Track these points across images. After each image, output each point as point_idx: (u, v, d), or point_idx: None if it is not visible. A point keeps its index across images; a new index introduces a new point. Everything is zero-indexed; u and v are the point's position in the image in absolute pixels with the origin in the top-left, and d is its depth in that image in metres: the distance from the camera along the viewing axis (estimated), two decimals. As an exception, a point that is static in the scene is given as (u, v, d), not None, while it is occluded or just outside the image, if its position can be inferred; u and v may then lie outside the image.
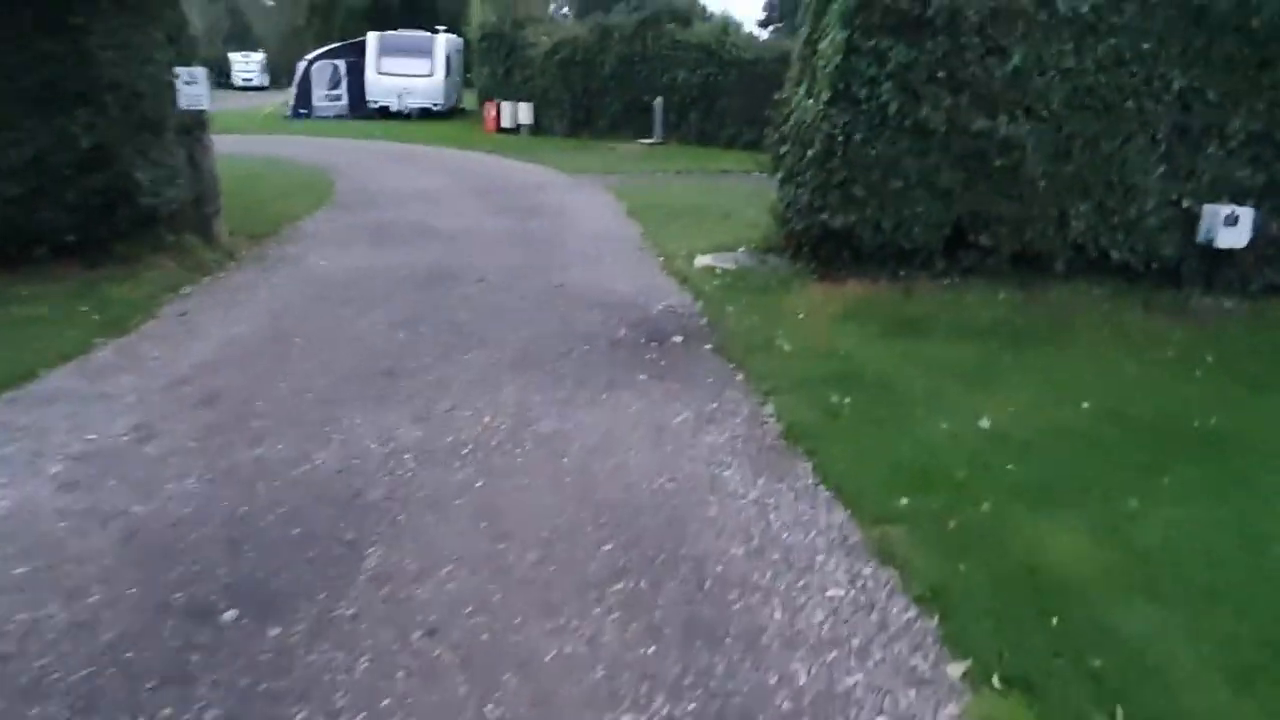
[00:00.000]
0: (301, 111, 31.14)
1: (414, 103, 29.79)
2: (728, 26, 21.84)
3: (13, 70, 6.89)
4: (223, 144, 21.93)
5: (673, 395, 5.37)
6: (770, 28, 51.70)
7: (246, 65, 64.16)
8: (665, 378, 5.67)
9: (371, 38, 30.56)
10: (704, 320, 7.00)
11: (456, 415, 4.96)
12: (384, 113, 29.72)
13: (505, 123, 25.07)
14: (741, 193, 14.00)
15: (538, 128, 24.47)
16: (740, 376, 5.75)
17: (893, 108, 7.33)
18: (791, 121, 8.26)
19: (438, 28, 31.66)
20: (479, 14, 27.21)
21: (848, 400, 5.25)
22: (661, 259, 9.08)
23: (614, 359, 6.02)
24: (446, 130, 25.58)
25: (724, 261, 8.66)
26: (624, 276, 8.30)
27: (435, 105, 30.20)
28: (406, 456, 4.44)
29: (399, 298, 7.40)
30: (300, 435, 4.66)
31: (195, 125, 8.51)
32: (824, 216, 7.67)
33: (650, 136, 22.24)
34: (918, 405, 5.22)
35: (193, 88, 8.39)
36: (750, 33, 21.96)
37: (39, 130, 6.99)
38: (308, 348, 6.11)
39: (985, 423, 4.97)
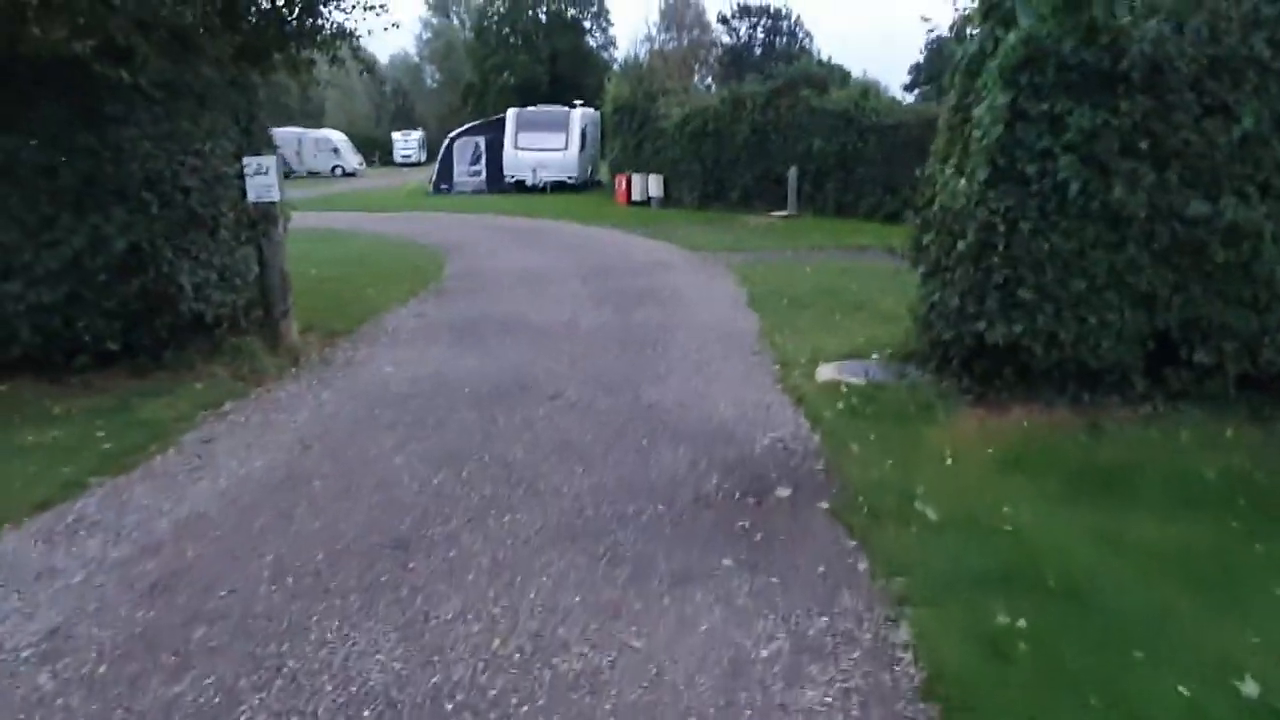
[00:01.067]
0: (443, 187, 31.57)
1: (548, 177, 29.57)
2: (867, 91, 20.26)
3: (50, 168, 6.20)
4: (354, 222, 22.06)
5: (765, 600, 3.80)
6: (916, 90, 49.43)
7: (406, 143, 67.38)
8: (758, 565, 4.11)
9: (510, 114, 30.72)
10: (821, 463, 5.39)
11: (457, 631, 3.57)
12: (520, 187, 29.65)
13: (636, 195, 24.27)
14: (879, 275, 12.24)
15: (668, 200, 23.51)
16: (863, 565, 4.11)
17: (1073, 188, 5.59)
18: (937, 205, 6.62)
19: (575, 102, 31.57)
20: (615, 87, 26.77)
21: (1022, 624, 3.53)
22: (778, 366, 7.53)
23: (694, 529, 4.50)
24: (577, 204, 24.99)
25: (853, 373, 7.03)
26: (729, 392, 6.80)
27: (569, 178, 29.90)
28: (365, 715, 3.07)
29: (454, 421, 6.17)
30: (241, 660, 3.38)
31: (264, 219, 7.70)
32: (980, 326, 5.96)
33: (784, 209, 20.78)
34: (1133, 642, 3.43)
35: (261, 178, 7.60)
36: (892, 96, 20.27)
37: (75, 231, 6.25)
38: (321, 498, 4.91)
39: (1250, 688, 3.14)
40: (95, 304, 6.44)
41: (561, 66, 58.37)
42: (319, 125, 65.65)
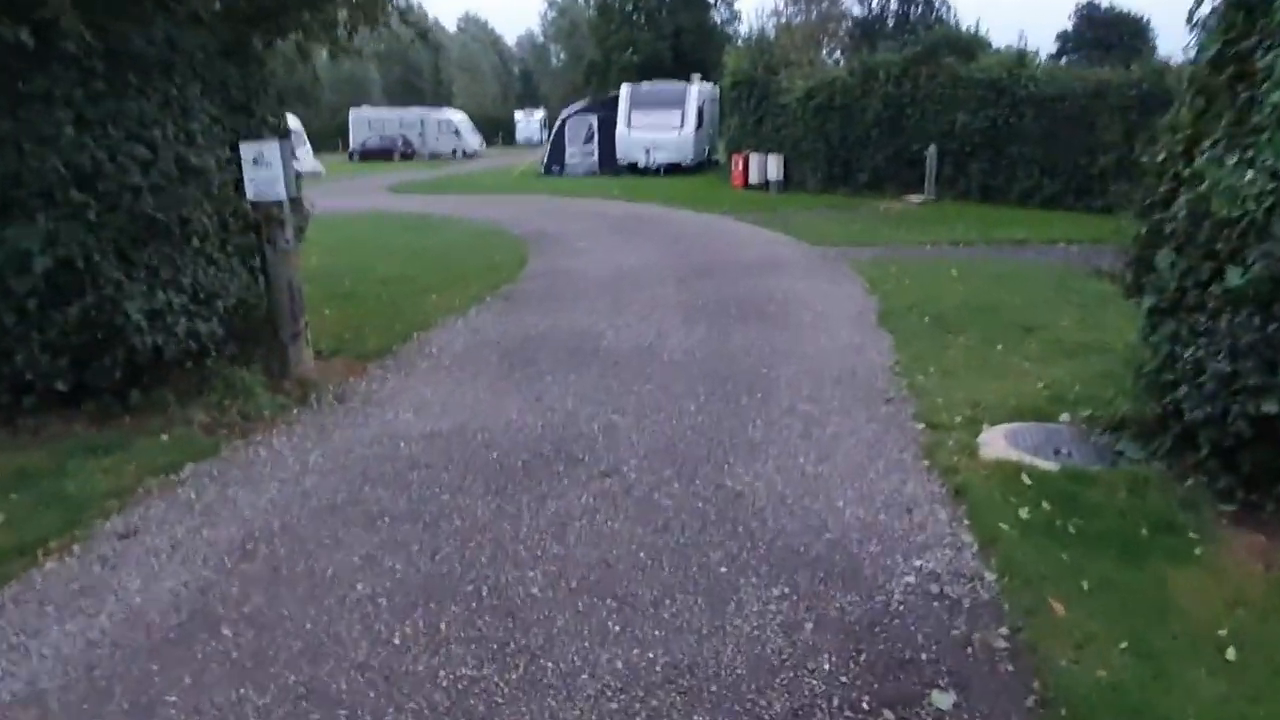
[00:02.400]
0: (554, 169, 30.07)
1: (661, 158, 27.58)
2: (1024, 56, 17.30)
3: (-36, 163, 4.70)
4: (455, 207, 20.57)
5: None
6: (1063, 60, 44.35)
7: (528, 122, 66.75)
8: None
9: (623, 90, 28.86)
10: (1003, 631, 3.29)
11: None
12: (633, 169, 27.79)
13: (753, 178, 22.02)
14: (1047, 279, 9.80)
15: (789, 183, 21.14)
16: None
17: None
18: (1182, 209, 4.30)
19: (693, 76, 29.38)
20: (734, 60, 24.48)
21: None
22: (923, 428, 5.36)
23: (785, 805, 2.53)
24: (690, 187, 22.95)
25: (1035, 447, 4.82)
26: (853, 476, 4.71)
27: (685, 159, 27.83)
28: None
29: (459, 516, 4.35)
30: None
31: (267, 223, 6.08)
32: (1264, 406, 3.68)
33: (919, 193, 18.14)
34: None
35: (263, 171, 5.97)
36: (1055, 62, 17.26)
37: (-7, 245, 4.74)
38: (212, 673, 3.18)
39: None
40: (26, 336, 4.93)
41: (685, 43, 56.13)
42: (447, 105, 65.89)
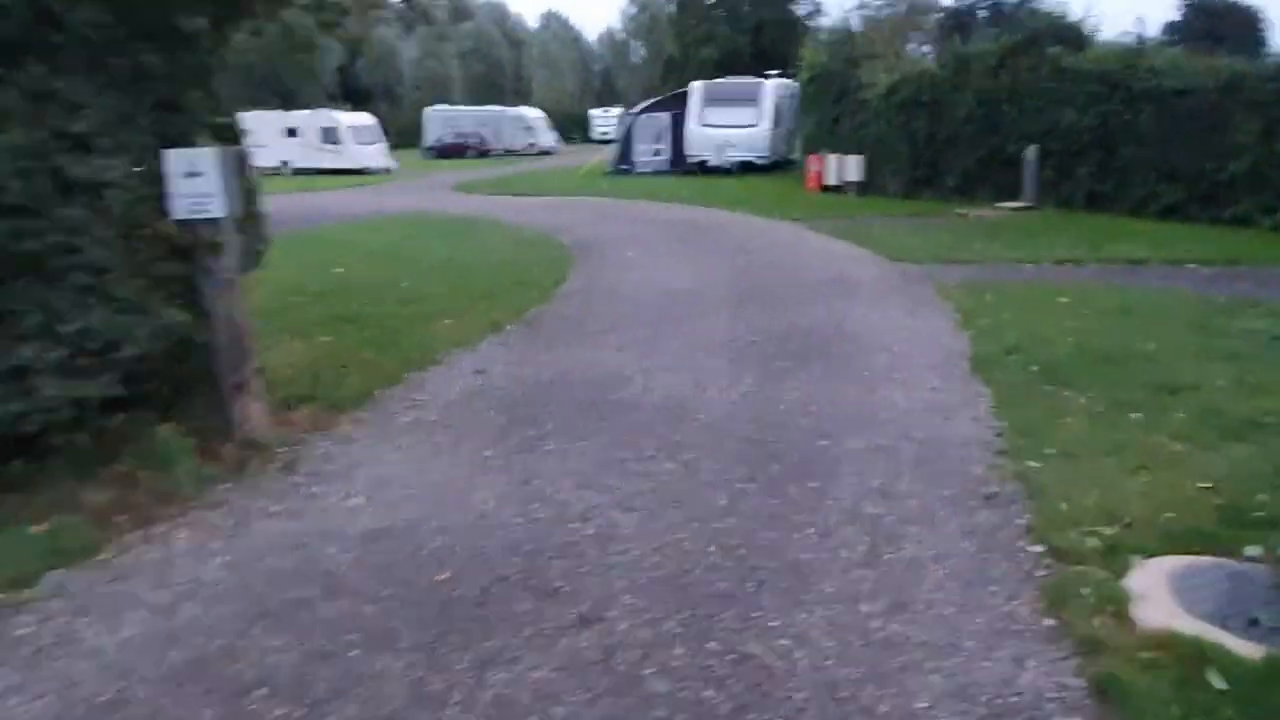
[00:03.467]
0: (623, 167, 28.78)
1: (735, 156, 26.00)
2: (1142, 45, 15.17)
3: None
4: (512, 208, 19.26)
5: None
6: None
7: (605, 120, 65.63)
8: None
9: (695, 86, 27.37)
10: None
11: None
12: (704, 168, 26.28)
13: (831, 179, 20.29)
14: (1182, 314, 8.02)
15: (869, 186, 19.36)
16: None
17: None
18: None
19: (768, 73, 27.69)
20: (811, 53, 22.77)
21: None
22: (1041, 552, 3.79)
23: None
24: (762, 189, 21.35)
25: (1218, 610, 3.21)
26: (940, 643, 3.20)
27: (760, 158, 26.18)
28: None
29: (361, 687, 2.99)
30: None
31: (204, 248, 4.85)
32: None
33: (1017, 199, 16.19)
34: None
35: (196, 182, 4.75)
36: (1179, 51, 15.11)
37: None
38: None
39: None
40: None
41: (766, 38, 54.30)
42: (526, 103, 65.37)
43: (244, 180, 5.34)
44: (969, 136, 17.30)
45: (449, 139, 47.28)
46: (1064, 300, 8.60)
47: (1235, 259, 10.85)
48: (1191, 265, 10.67)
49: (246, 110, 7.51)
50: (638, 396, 6.02)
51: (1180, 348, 6.76)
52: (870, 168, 19.32)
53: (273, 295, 8.30)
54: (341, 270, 11.09)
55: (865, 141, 19.42)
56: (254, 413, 5.28)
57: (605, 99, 76.64)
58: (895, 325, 7.88)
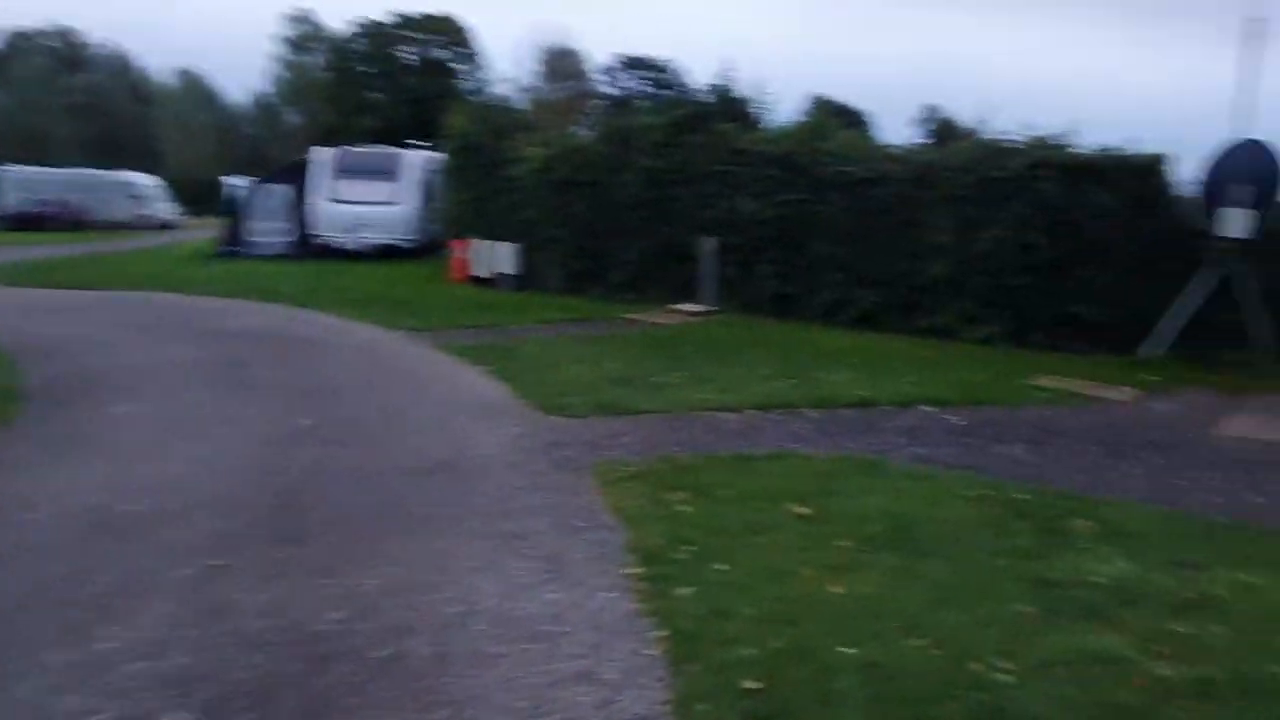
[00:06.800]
0: (233, 249, 22.76)
1: (371, 238, 21.30)
2: (822, 125, 13.07)
3: None
4: (16, 310, 10.77)
5: None
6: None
7: (238, 190, 57.59)
8: None
9: (323, 154, 22.42)
10: None
11: None
12: (335, 250, 21.28)
13: (479, 271, 16.38)
14: (982, 534, 4.53)
15: (527, 278, 15.69)
16: None
17: None
18: None
19: (409, 142, 23.53)
20: (456, 120, 18.88)
21: None
22: None
23: None
24: (393, 281, 16.85)
25: None
26: None
27: (404, 241, 21.72)
28: None
29: None
30: None
31: None
32: None
33: (694, 300, 13.27)
34: None
35: None
36: (869, 135, 13.14)
37: None
38: None
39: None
40: None
41: (430, 110, 50.91)
42: (158, 167, 55.71)
43: None
44: (636, 225, 14.26)
45: (29, 206, 37.41)
46: (801, 511, 5.06)
47: (974, 396, 8.31)
48: (926, 407, 7.89)
49: None
50: None
51: (1044, 658, 3.30)
52: (528, 256, 15.71)
53: None
54: None
55: (519, 226, 15.79)
56: None
57: (256, 168, 68.10)
58: (530, 621, 3.74)
